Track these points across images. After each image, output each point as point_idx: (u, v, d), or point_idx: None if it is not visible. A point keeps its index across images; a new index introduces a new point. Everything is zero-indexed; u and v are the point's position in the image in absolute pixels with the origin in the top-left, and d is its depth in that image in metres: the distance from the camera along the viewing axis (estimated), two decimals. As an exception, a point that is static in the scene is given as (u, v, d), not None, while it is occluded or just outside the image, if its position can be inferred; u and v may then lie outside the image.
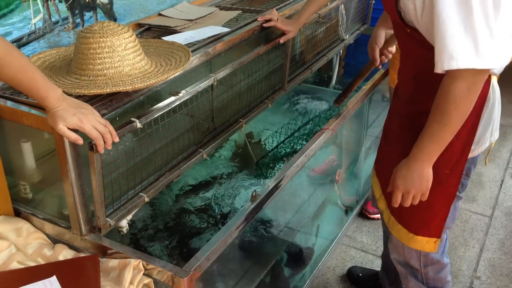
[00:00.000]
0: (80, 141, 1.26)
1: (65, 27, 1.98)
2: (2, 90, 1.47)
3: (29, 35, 1.85)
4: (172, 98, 1.53)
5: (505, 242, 2.74)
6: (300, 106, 3.16)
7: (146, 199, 1.53)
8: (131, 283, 1.32)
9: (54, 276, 1.33)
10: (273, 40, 2.01)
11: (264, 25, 2.04)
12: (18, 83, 1.21)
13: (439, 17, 1.31)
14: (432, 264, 1.80)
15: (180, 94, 1.55)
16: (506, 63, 1.48)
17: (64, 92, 1.28)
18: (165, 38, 1.82)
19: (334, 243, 2.58)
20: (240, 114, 1.96)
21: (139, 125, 1.39)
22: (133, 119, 1.39)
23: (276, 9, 2.21)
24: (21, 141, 1.52)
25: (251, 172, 2.52)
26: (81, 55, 1.45)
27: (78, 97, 1.36)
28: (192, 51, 1.70)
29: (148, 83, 1.42)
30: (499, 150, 3.60)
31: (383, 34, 1.97)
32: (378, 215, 2.86)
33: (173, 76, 1.52)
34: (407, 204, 1.55)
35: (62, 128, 1.23)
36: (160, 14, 2.12)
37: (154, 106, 1.48)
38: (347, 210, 2.80)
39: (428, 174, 1.49)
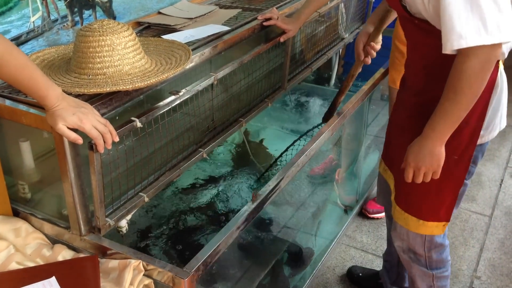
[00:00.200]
0: (79, 140, 1.25)
1: (64, 25, 1.96)
2: (0, 89, 1.46)
3: (27, 33, 1.83)
4: (172, 97, 1.52)
5: (505, 242, 2.73)
6: (300, 105, 3.16)
7: (146, 199, 1.52)
8: (131, 284, 1.31)
9: (54, 277, 1.32)
10: (273, 39, 2.01)
11: (264, 23, 2.03)
12: (18, 82, 1.20)
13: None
14: (436, 248, 1.83)
15: (180, 93, 1.54)
16: None
17: (63, 91, 1.27)
18: (165, 37, 1.81)
19: (334, 242, 2.57)
20: (240, 113, 1.95)
21: (139, 124, 1.38)
22: (133, 118, 1.38)
23: (276, 8, 2.20)
24: (19, 141, 1.51)
25: (251, 172, 2.51)
26: (81, 53, 1.44)
27: (78, 96, 1.35)
28: (192, 50, 1.68)
29: (148, 82, 1.41)
30: (498, 149, 3.60)
31: (370, 30, 1.98)
32: (378, 215, 2.86)
33: (173, 75, 1.51)
34: (419, 180, 1.58)
35: (61, 127, 1.22)
36: (159, 13, 2.11)
37: (154, 105, 1.47)
38: (347, 209, 2.79)
39: (439, 153, 1.52)
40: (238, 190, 2.36)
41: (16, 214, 1.55)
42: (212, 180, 2.42)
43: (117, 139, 1.29)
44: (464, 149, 1.61)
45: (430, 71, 1.60)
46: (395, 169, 1.85)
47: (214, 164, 2.56)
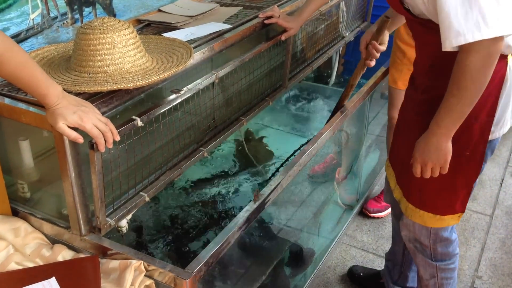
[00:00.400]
0: (80, 139, 1.23)
1: (63, 23, 1.95)
2: (0, 87, 1.44)
3: (27, 30, 1.82)
4: (173, 96, 1.51)
5: (506, 242, 2.72)
6: (300, 103, 3.15)
7: (147, 199, 1.50)
8: (132, 284, 1.29)
9: (54, 277, 1.31)
10: (275, 37, 1.99)
11: (266, 22, 2.02)
12: (18, 80, 1.18)
13: None
14: (441, 241, 1.83)
15: (182, 92, 1.52)
16: None
17: (64, 89, 1.25)
18: (166, 35, 1.79)
19: (334, 242, 2.56)
20: (241, 112, 1.94)
21: (140, 123, 1.36)
22: (134, 117, 1.36)
23: (277, 6, 2.19)
24: (19, 139, 1.49)
25: (253, 171, 2.50)
26: (81, 51, 1.42)
27: (78, 94, 1.33)
28: (193, 48, 1.67)
29: (149, 80, 1.40)
30: (499, 149, 3.59)
31: (374, 29, 1.97)
32: (379, 214, 2.84)
33: (175, 73, 1.49)
34: (427, 175, 1.59)
35: (62, 126, 1.20)
36: (160, 10, 2.10)
37: (155, 104, 1.45)
38: (347, 208, 2.78)
39: (446, 148, 1.52)
40: (239, 190, 2.35)
41: (15, 213, 1.54)
42: (212, 179, 2.41)
43: (118, 138, 1.28)
44: (476, 145, 1.61)
45: (438, 69, 1.59)
46: (398, 166, 1.84)
47: (215, 163, 2.55)
